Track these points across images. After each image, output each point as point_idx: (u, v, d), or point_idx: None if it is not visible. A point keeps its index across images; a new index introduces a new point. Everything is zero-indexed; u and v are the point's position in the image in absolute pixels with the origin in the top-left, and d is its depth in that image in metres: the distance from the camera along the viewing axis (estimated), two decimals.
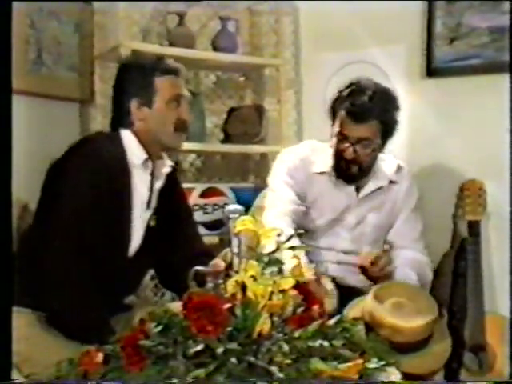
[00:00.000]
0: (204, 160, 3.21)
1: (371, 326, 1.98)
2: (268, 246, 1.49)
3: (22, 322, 1.82)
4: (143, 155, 2.06)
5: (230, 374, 1.29)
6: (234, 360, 1.30)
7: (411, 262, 2.36)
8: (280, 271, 1.44)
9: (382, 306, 2.03)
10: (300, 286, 1.44)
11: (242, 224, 1.51)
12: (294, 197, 2.37)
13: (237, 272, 1.46)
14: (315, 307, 1.45)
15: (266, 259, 1.43)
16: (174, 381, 1.29)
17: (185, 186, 2.45)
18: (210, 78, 3.24)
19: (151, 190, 2.11)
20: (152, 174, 2.10)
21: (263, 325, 1.34)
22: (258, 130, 3.09)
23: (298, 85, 3.23)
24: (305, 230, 2.30)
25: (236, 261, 1.54)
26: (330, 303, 2.04)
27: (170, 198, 2.19)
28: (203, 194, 2.91)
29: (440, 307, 2.12)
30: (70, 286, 1.87)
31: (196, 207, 2.81)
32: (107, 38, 2.81)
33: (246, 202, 2.62)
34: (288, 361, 1.32)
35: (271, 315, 1.37)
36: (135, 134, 2.07)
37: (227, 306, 1.36)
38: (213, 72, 3.24)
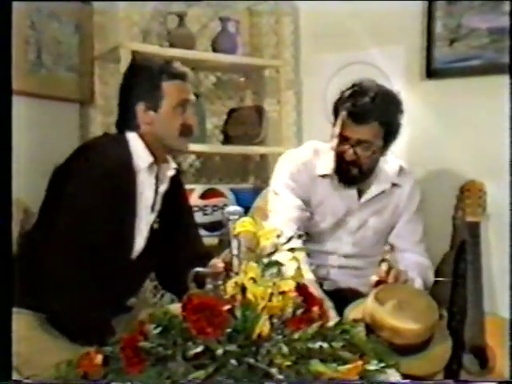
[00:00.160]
0: (204, 161, 3.21)
1: (372, 328, 1.98)
2: (269, 247, 1.49)
3: (22, 323, 1.82)
4: (149, 159, 2.06)
5: (229, 376, 1.29)
6: (233, 362, 1.30)
7: (415, 265, 2.34)
8: (280, 273, 1.44)
9: (382, 307, 2.02)
10: (300, 288, 1.44)
11: (241, 225, 1.51)
12: (299, 202, 2.35)
13: (236, 273, 1.46)
14: (315, 309, 1.45)
15: (265, 261, 1.43)
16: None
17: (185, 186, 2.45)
18: (210, 79, 3.25)
19: (156, 193, 2.11)
20: (157, 177, 2.11)
21: (263, 326, 1.34)
22: (258, 131, 3.09)
23: (297, 86, 3.23)
24: (307, 234, 2.31)
25: (236, 262, 1.54)
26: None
27: (174, 201, 2.19)
28: (203, 195, 2.91)
29: (440, 309, 2.12)
30: (71, 287, 1.87)
31: (196, 208, 2.81)
32: (107, 38, 2.81)
33: (246, 204, 2.62)
34: (288, 362, 1.32)
35: (271, 317, 1.37)
36: (141, 136, 2.07)
37: (227, 307, 1.35)
38: (213, 73, 3.24)
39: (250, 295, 1.37)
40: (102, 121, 2.82)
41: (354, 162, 2.28)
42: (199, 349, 1.30)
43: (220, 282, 1.48)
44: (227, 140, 3.16)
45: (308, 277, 1.98)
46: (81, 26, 2.80)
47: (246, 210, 2.52)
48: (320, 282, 2.26)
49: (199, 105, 2.95)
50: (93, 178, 1.93)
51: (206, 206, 2.90)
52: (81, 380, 1.38)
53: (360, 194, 2.40)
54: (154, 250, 2.13)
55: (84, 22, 2.81)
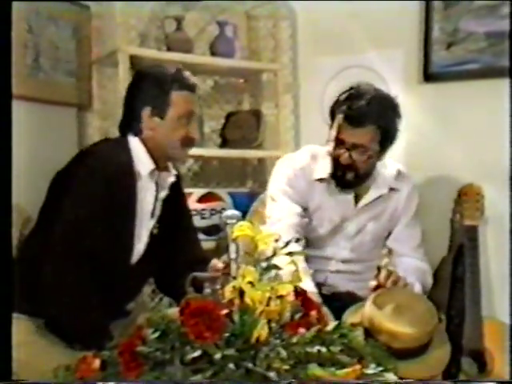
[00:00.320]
0: (202, 165, 3.21)
1: (370, 332, 1.98)
2: (267, 251, 1.49)
3: (20, 328, 1.81)
4: (151, 165, 2.06)
5: (227, 380, 1.28)
6: (231, 366, 1.29)
7: (414, 270, 2.34)
8: (278, 277, 1.43)
9: (381, 311, 2.02)
10: (298, 292, 1.44)
11: (239, 229, 1.51)
12: (298, 209, 2.35)
13: (234, 278, 1.45)
14: (313, 313, 1.44)
15: (263, 265, 1.43)
16: None
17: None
18: (208, 83, 3.24)
19: (156, 199, 2.11)
20: (157, 184, 2.11)
21: (261, 331, 1.33)
22: (256, 135, 3.09)
23: (295, 89, 3.23)
24: (306, 240, 2.31)
25: (234, 266, 1.54)
26: None
27: (173, 207, 2.19)
28: (201, 199, 2.91)
29: (438, 312, 2.11)
30: (70, 291, 1.87)
31: (193, 212, 2.80)
32: (105, 42, 2.81)
33: (244, 207, 2.62)
34: (286, 367, 1.32)
35: (269, 321, 1.36)
36: (143, 142, 2.07)
37: (225, 311, 1.35)
38: (210, 77, 3.24)
39: (247, 299, 1.37)
40: (99, 125, 2.82)
41: (349, 166, 2.27)
42: (197, 353, 1.30)
43: (218, 287, 1.48)
44: (225, 144, 3.15)
45: (307, 286, 1.97)
46: (78, 30, 2.80)
47: (244, 214, 2.52)
48: (318, 286, 2.25)
49: None
50: (93, 184, 1.93)
51: (203, 209, 2.89)
52: (79, 381, 1.38)
53: (357, 198, 2.40)
54: (153, 255, 2.13)
55: (82, 26, 2.81)
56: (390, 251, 2.47)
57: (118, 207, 1.98)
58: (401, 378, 1.54)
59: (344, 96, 2.29)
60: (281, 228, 2.24)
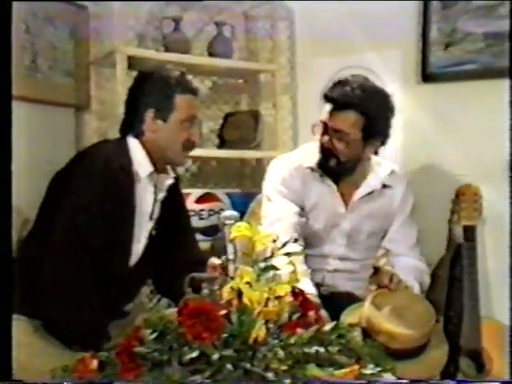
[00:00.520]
0: (200, 165, 3.21)
1: (368, 333, 1.98)
2: (265, 252, 1.49)
3: (18, 329, 1.80)
4: (150, 168, 2.06)
5: (225, 381, 1.28)
6: (229, 366, 1.30)
7: (411, 269, 2.35)
8: (276, 277, 1.43)
9: (379, 312, 2.02)
10: (296, 293, 1.44)
11: (237, 230, 1.51)
12: (296, 208, 2.36)
13: (232, 278, 1.46)
14: (311, 313, 1.44)
15: (261, 265, 1.43)
16: None
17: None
18: (206, 84, 3.24)
19: (154, 201, 2.11)
20: (155, 186, 2.11)
21: (259, 331, 1.34)
22: (254, 136, 3.09)
23: (293, 90, 3.23)
24: (304, 239, 2.31)
25: (231, 267, 1.54)
26: None
27: (171, 208, 2.20)
28: (199, 200, 2.91)
29: (436, 313, 2.12)
30: (68, 292, 1.87)
31: (191, 213, 2.80)
32: (103, 43, 2.81)
33: (242, 208, 2.62)
34: (284, 367, 1.32)
35: (267, 321, 1.37)
36: (143, 144, 2.07)
37: (223, 312, 1.35)
38: (208, 77, 3.24)
39: (245, 300, 1.37)
40: (97, 126, 2.82)
41: (331, 152, 2.29)
42: (195, 354, 1.30)
43: (216, 287, 1.48)
44: (223, 144, 3.15)
45: (307, 288, 1.97)
46: (76, 31, 2.79)
47: (242, 215, 2.52)
48: (317, 287, 2.25)
49: None
50: (92, 185, 1.93)
51: (201, 210, 2.90)
52: (79, 380, 1.38)
53: (351, 194, 2.40)
54: (151, 256, 2.13)
55: (79, 26, 2.80)
56: (388, 251, 2.47)
57: (117, 209, 1.98)
58: (398, 379, 1.54)
59: (334, 82, 2.31)
60: (280, 228, 2.25)
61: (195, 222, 2.80)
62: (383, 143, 2.35)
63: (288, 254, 1.49)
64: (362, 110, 2.23)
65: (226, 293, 1.40)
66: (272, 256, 1.46)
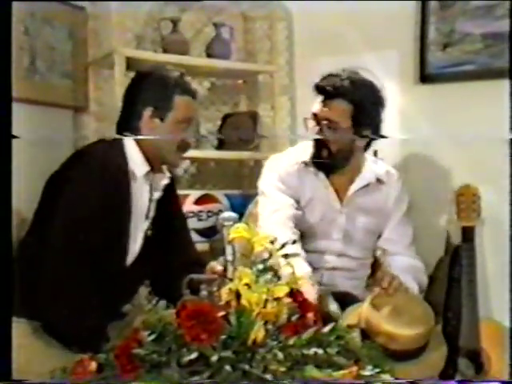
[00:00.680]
0: (198, 166, 3.21)
1: (367, 334, 1.98)
2: (263, 253, 1.49)
3: (17, 331, 1.80)
4: (146, 168, 2.07)
5: (224, 382, 1.28)
6: (228, 368, 1.30)
7: (409, 269, 2.35)
8: (274, 279, 1.43)
9: (378, 313, 2.02)
10: (294, 294, 1.44)
11: (236, 232, 1.51)
12: (292, 201, 2.37)
13: (231, 280, 1.46)
14: (310, 315, 1.44)
15: (260, 267, 1.43)
16: None
17: (179, 192, 2.45)
18: (205, 85, 3.24)
19: (150, 200, 2.11)
20: (151, 185, 2.11)
21: (257, 332, 1.34)
22: (253, 137, 3.09)
23: (292, 91, 3.23)
24: (301, 235, 2.31)
25: (230, 268, 1.54)
26: None
27: (167, 208, 2.20)
28: (197, 201, 2.91)
29: (435, 314, 2.11)
30: (66, 294, 1.87)
31: (190, 214, 2.80)
32: (101, 44, 2.81)
33: (241, 209, 2.62)
34: (283, 368, 1.32)
35: (266, 323, 1.36)
36: (138, 143, 2.07)
37: (221, 313, 1.35)
38: (207, 78, 3.24)
39: (244, 301, 1.37)
40: (96, 127, 2.82)
41: (322, 143, 2.30)
42: (194, 355, 1.30)
43: (214, 289, 1.48)
44: (221, 145, 3.15)
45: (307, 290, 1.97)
46: (74, 32, 2.79)
47: (241, 216, 2.52)
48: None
49: None
50: (88, 184, 1.94)
51: (200, 211, 2.89)
52: (77, 381, 1.38)
53: (346, 189, 2.41)
54: (148, 257, 2.13)
55: (77, 27, 2.80)
56: (384, 251, 2.47)
57: (113, 207, 1.98)
58: (397, 380, 1.54)
59: (325, 74, 2.34)
60: (278, 219, 2.27)
61: (194, 224, 2.80)
62: (375, 134, 2.35)
63: (286, 256, 1.49)
64: (351, 98, 2.26)
65: (225, 294, 1.40)
66: (270, 257, 1.46)
